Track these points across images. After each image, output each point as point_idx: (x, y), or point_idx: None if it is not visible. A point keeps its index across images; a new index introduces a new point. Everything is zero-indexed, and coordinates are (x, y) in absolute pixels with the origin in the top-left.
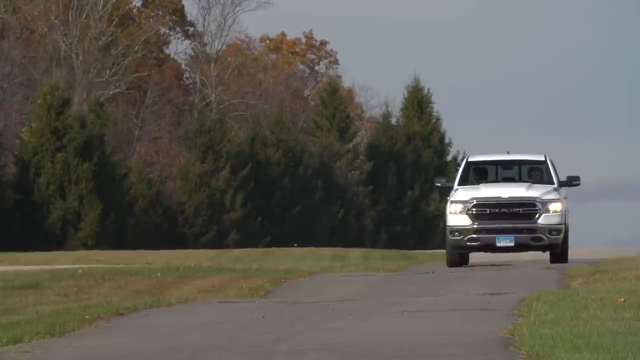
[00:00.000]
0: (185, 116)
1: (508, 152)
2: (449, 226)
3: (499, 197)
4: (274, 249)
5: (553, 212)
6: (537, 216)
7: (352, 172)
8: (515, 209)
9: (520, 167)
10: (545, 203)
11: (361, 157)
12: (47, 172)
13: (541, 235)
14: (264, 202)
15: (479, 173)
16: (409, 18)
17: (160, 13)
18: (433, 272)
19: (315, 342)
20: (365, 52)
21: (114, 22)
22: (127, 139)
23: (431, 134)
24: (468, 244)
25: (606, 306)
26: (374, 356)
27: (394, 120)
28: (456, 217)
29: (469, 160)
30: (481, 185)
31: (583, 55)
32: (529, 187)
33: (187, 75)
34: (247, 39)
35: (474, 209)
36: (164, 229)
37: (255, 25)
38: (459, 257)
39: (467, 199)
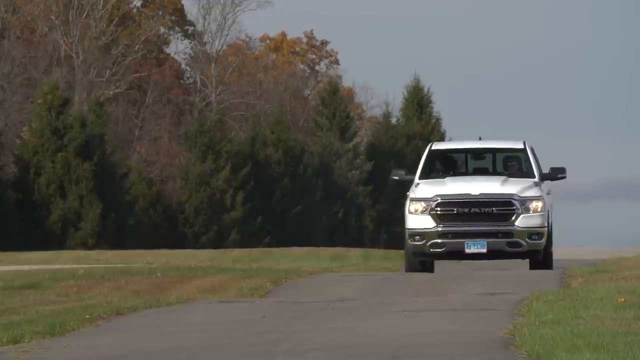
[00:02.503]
0: (185, 116)
1: (480, 139)
2: (409, 229)
3: (469, 194)
4: (274, 249)
5: (533, 212)
6: (514, 217)
7: (352, 171)
8: (487, 209)
9: (494, 157)
10: (524, 201)
11: (361, 157)
12: (47, 171)
13: (519, 240)
14: (264, 202)
15: (444, 164)
16: (409, 17)
17: (160, 13)
18: (433, 272)
19: (315, 342)
20: (365, 51)
21: (114, 22)
22: (127, 138)
23: (431, 133)
24: (431, 250)
25: (606, 306)
26: (374, 356)
27: (394, 120)
28: (417, 218)
29: (433, 148)
30: (447, 179)
31: (583, 55)
32: (504, 182)
33: (187, 75)
34: (247, 39)
35: (438, 209)
36: (164, 228)
37: (255, 25)
38: (420, 266)
39: (429, 196)
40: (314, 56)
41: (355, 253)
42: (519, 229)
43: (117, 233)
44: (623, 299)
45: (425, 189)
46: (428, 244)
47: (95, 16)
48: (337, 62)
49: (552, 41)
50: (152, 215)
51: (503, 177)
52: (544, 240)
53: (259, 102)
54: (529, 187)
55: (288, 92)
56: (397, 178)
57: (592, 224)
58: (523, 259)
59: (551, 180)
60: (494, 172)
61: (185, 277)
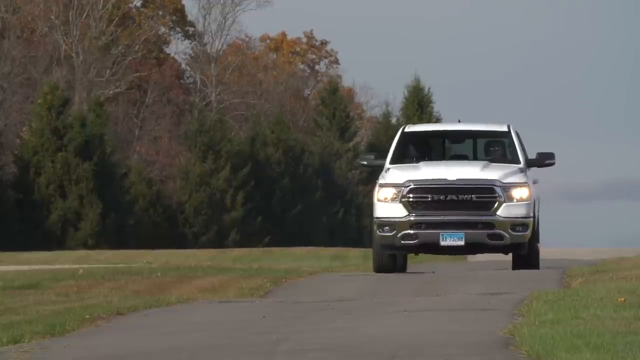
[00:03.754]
0: (185, 116)
1: (459, 121)
2: (377, 218)
3: (445, 180)
4: (274, 249)
5: (518, 201)
6: (495, 205)
7: (352, 171)
8: (466, 196)
9: (475, 141)
10: (507, 188)
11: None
12: (47, 171)
13: (501, 232)
14: (264, 202)
15: (419, 148)
16: (409, 18)
17: (161, 13)
18: (433, 272)
19: (315, 342)
20: (365, 51)
21: (114, 22)
22: (127, 138)
23: None
24: (402, 242)
25: (606, 306)
26: (374, 356)
27: (394, 120)
28: (386, 206)
29: (406, 130)
30: (421, 163)
31: (583, 55)
32: (485, 167)
33: (187, 75)
34: (247, 39)
35: (410, 196)
36: (164, 228)
37: (255, 25)
38: (390, 261)
39: (401, 181)
40: (313, 56)
41: (355, 253)
42: (501, 219)
43: (117, 233)
44: (623, 299)
45: (396, 174)
46: (398, 235)
47: (95, 16)
48: (337, 62)
49: (552, 41)
50: (152, 215)
51: (484, 162)
52: (529, 232)
53: (259, 102)
54: (513, 173)
55: (288, 92)
56: (365, 163)
57: (592, 224)
58: (505, 253)
59: (538, 166)
60: (474, 157)
61: (185, 277)
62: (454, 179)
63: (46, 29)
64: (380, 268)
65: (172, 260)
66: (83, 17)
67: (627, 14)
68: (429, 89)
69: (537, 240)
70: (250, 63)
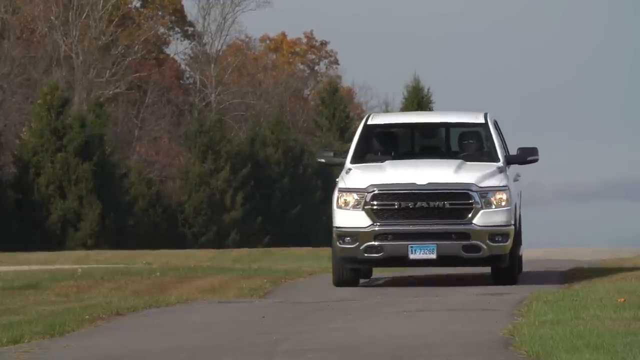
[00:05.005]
0: (185, 116)
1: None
2: (337, 228)
3: (414, 184)
4: (274, 249)
5: (497, 207)
6: (471, 213)
7: None
8: (438, 202)
9: (447, 134)
10: (484, 193)
11: None
12: (47, 172)
13: (478, 243)
14: (263, 202)
15: (384, 143)
16: (409, 17)
17: (160, 13)
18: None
19: (314, 342)
20: (365, 51)
21: (114, 22)
22: (127, 138)
23: None
24: (365, 255)
25: (606, 306)
26: (373, 356)
27: None
28: (347, 214)
29: (369, 122)
30: (387, 163)
31: (583, 55)
32: (459, 168)
33: (187, 76)
34: (247, 39)
35: (374, 203)
36: (163, 228)
37: (255, 25)
38: (352, 275)
39: (364, 186)
40: (313, 56)
41: None
42: (478, 228)
43: (116, 233)
44: (623, 299)
45: (358, 177)
46: (361, 247)
47: (95, 16)
48: (336, 62)
49: (552, 40)
50: (152, 215)
51: (458, 162)
52: (509, 242)
53: (258, 102)
54: (492, 175)
55: (288, 92)
56: (323, 161)
57: (592, 224)
58: (484, 266)
59: (520, 164)
60: (448, 153)
61: (185, 278)
62: (424, 183)
63: (46, 29)
64: (340, 282)
65: (172, 261)
66: (83, 18)
67: (626, 14)
68: (428, 89)
69: (520, 243)
70: (250, 63)
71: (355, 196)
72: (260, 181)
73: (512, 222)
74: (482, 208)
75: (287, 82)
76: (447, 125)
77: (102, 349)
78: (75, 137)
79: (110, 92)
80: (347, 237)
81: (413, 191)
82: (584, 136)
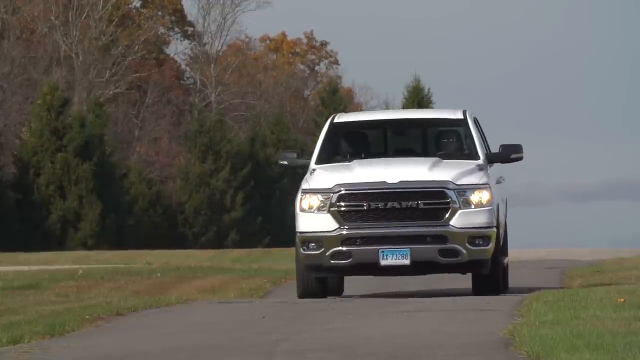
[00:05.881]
0: (185, 116)
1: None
2: (300, 233)
3: (384, 183)
4: (274, 249)
5: (477, 206)
6: (448, 213)
7: None
8: (411, 202)
9: (424, 132)
10: (463, 191)
11: None
12: (47, 172)
13: (456, 247)
14: (263, 202)
15: (352, 144)
16: (409, 17)
17: (160, 13)
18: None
19: (314, 342)
20: (365, 51)
21: (114, 23)
22: (127, 139)
23: None
24: (332, 262)
25: (606, 306)
26: (373, 356)
27: None
28: (312, 217)
29: (336, 120)
30: (355, 162)
31: (582, 54)
32: (435, 165)
33: (187, 76)
34: (247, 39)
35: (341, 204)
36: (163, 229)
37: (255, 25)
38: (318, 285)
39: (329, 186)
40: (313, 56)
41: None
42: (456, 230)
43: (116, 233)
44: (623, 299)
45: (323, 177)
46: (327, 253)
47: (95, 17)
48: (337, 62)
49: (552, 40)
50: (152, 215)
51: (434, 159)
52: (491, 245)
53: (258, 103)
54: (470, 172)
55: (288, 92)
56: (285, 163)
57: (591, 224)
58: (463, 272)
59: (503, 162)
60: (423, 153)
61: (185, 278)
62: (396, 181)
63: (46, 29)
64: (305, 294)
65: (172, 261)
66: (83, 18)
67: (626, 14)
68: (429, 89)
69: (504, 254)
70: (250, 63)
71: (320, 197)
72: (260, 181)
73: (494, 223)
74: (460, 208)
75: (287, 82)
76: (422, 123)
77: (102, 349)
78: (75, 137)
79: (110, 92)
80: (312, 242)
81: (383, 190)
82: (584, 136)
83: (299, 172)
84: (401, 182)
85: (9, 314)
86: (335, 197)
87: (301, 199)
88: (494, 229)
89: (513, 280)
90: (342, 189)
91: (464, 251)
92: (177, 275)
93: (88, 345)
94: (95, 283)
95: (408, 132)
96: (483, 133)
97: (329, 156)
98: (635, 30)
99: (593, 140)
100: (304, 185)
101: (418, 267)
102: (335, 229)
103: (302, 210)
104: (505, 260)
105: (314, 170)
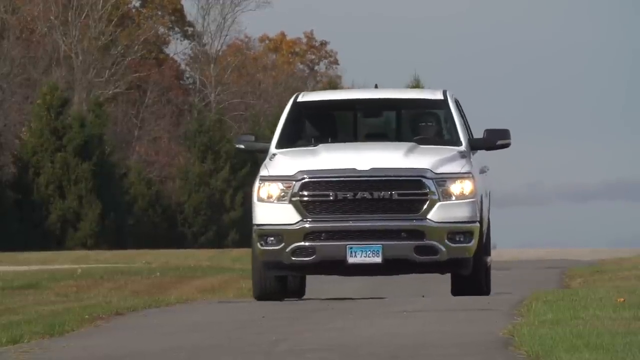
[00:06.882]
0: (185, 116)
1: (376, 86)
2: (257, 226)
3: (354, 170)
4: None
5: (458, 198)
6: (426, 206)
7: None
8: (383, 193)
9: (399, 114)
10: (442, 180)
11: None
12: (47, 171)
13: (434, 243)
14: None
15: (318, 126)
16: (409, 17)
17: (160, 13)
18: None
19: (314, 342)
20: (365, 51)
21: (114, 22)
22: (127, 138)
23: None
24: (293, 259)
25: (606, 306)
26: (373, 356)
27: None
28: (271, 208)
29: (300, 100)
30: (320, 147)
31: (582, 54)
32: (411, 151)
33: (187, 76)
34: (246, 39)
35: (304, 193)
36: (163, 228)
37: (254, 25)
38: (278, 285)
39: (291, 173)
40: (313, 56)
41: None
42: (435, 224)
43: (116, 233)
44: (622, 299)
45: (284, 163)
46: (288, 249)
47: (95, 16)
48: (336, 62)
49: (552, 41)
50: (152, 215)
51: (410, 144)
52: (473, 242)
53: (258, 102)
54: (452, 159)
55: (287, 92)
56: (242, 147)
57: (591, 224)
58: (442, 272)
59: (488, 149)
60: (398, 137)
61: (185, 277)
62: (367, 168)
63: (45, 29)
64: (263, 294)
65: (172, 260)
66: (82, 18)
67: (626, 13)
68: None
69: (487, 253)
70: (249, 63)
71: (281, 186)
72: None
73: (477, 217)
74: (439, 200)
75: (287, 82)
76: (397, 104)
77: (101, 349)
78: (75, 137)
79: (110, 92)
80: (271, 236)
81: (353, 178)
82: (584, 136)
83: (259, 157)
84: (373, 169)
85: (8, 313)
86: (297, 185)
87: (259, 188)
88: (477, 224)
89: (513, 280)
90: (305, 176)
91: (443, 248)
92: (176, 275)
93: (87, 345)
94: (95, 283)
95: (381, 113)
96: (465, 116)
97: (291, 140)
98: (635, 30)
99: (593, 140)
100: (263, 171)
101: (391, 266)
102: (298, 222)
103: (260, 200)
104: (489, 260)
105: (274, 155)
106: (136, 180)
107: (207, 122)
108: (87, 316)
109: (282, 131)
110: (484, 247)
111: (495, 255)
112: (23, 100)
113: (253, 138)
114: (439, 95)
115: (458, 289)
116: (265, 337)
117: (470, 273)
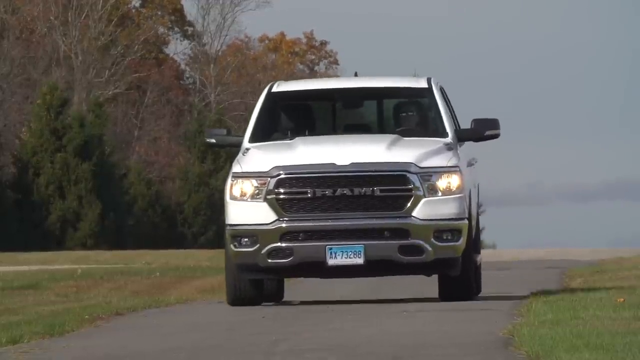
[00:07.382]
0: (185, 116)
1: (356, 74)
2: (230, 226)
3: (333, 165)
4: None
5: (445, 194)
6: (411, 202)
7: None
8: (365, 189)
9: (381, 104)
10: (428, 175)
11: None
12: (47, 172)
13: (419, 242)
14: None
15: (294, 117)
16: (409, 17)
17: (160, 13)
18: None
19: (314, 342)
20: (365, 51)
21: (113, 22)
22: (127, 139)
23: None
24: (270, 261)
25: (605, 306)
26: (373, 356)
27: None
28: (244, 207)
29: (274, 90)
30: (297, 140)
31: (582, 54)
32: (394, 144)
33: (187, 76)
34: (246, 39)
35: (280, 191)
36: (163, 229)
37: (254, 25)
38: (253, 289)
39: (266, 169)
40: (313, 56)
41: None
42: (420, 222)
43: (116, 233)
44: (622, 299)
45: (258, 158)
46: (263, 251)
47: (95, 16)
48: (336, 62)
49: (552, 41)
50: (151, 215)
51: (392, 137)
52: (461, 241)
53: None
54: (437, 152)
55: None
56: (213, 141)
57: (591, 224)
58: (428, 274)
59: (476, 140)
60: (380, 129)
61: (185, 278)
62: (347, 163)
63: (45, 29)
64: (237, 299)
65: (171, 261)
66: (82, 18)
67: (626, 13)
68: None
69: (477, 251)
70: (249, 63)
71: (255, 183)
72: None
73: (465, 214)
74: (424, 196)
75: None
76: (379, 93)
77: (101, 349)
78: (75, 137)
79: (110, 92)
80: (245, 237)
81: (332, 174)
82: (583, 136)
83: (231, 152)
84: (353, 164)
85: (8, 314)
86: (273, 182)
87: (232, 185)
88: (465, 221)
89: (513, 280)
90: (281, 172)
91: (429, 248)
92: (176, 275)
93: (87, 345)
94: (95, 283)
95: (361, 103)
96: (451, 106)
97: (265, 133)
98: (635, 30)
99: (593, 140)
100: (235, 167)
101: (373, 268)
102: (273, 222)
103: (233, 198)
104: (479, 259)
105: (247, 149)
106: (136, 181)
107: (207, 122)
108: (87, 316)
109: (256, 124)
110: (474, 244)
111: (495, 255)
112: (23, 100)
113: (225, 132)
114: (423, 84)
115: (446, 292)
116: (265, 337)
117: (459, 274)
